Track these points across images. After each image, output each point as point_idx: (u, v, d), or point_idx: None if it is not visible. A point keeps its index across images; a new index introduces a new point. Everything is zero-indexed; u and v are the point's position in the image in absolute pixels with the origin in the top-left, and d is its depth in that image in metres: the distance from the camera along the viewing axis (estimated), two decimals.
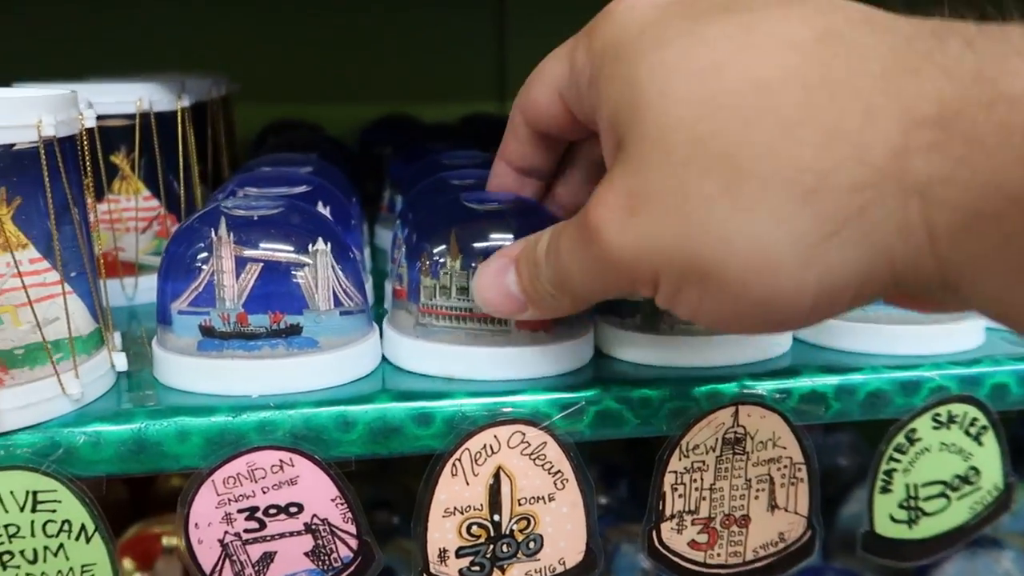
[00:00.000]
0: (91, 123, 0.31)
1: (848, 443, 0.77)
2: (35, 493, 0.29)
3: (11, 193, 0.29)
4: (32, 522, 0.29)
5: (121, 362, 0.32)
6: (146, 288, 0.43)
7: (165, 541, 0.55)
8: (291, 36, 0.84)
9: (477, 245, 0.32)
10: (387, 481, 0.73)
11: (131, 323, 0.41)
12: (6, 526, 0.29)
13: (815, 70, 0.22)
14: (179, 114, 0.43)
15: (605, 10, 0.27)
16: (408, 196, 0.43)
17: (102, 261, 0.33)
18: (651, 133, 0.23)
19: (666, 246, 0.23)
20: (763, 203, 0.22)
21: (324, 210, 0.41)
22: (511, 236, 0.33)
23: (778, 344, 0.36)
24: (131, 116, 0.41)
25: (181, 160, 0.43)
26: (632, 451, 0.74)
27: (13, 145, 0.27)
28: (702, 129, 0.22)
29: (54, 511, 0.29)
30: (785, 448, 0.34)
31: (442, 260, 0.33)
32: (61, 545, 0.30)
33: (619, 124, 0.25)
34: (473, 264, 0.32)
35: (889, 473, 0.35)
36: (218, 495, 0.30)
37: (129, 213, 0.44)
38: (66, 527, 0.29)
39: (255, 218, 0.32)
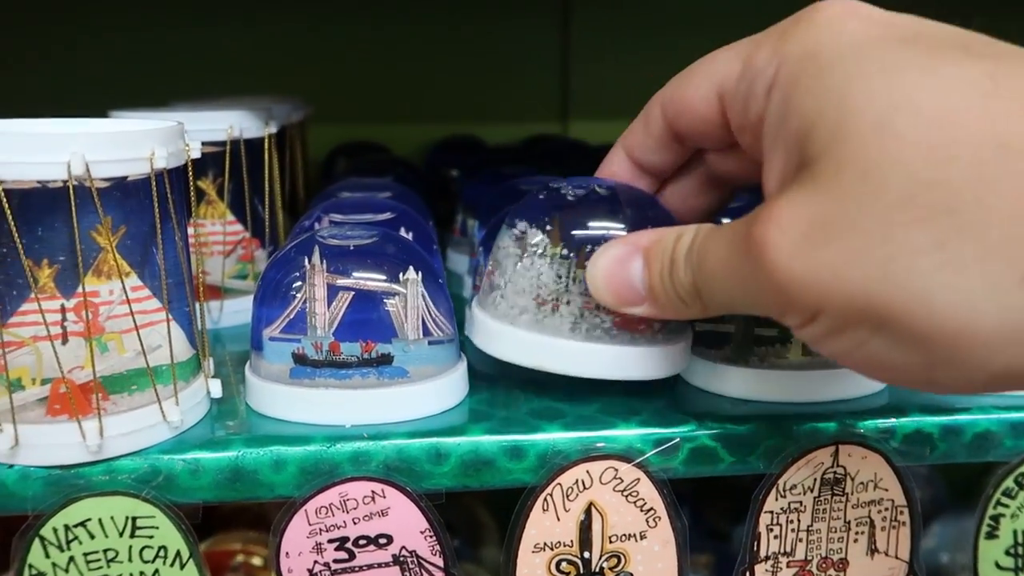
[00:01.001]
0: (196, 154, 0.31)
1: (923, 474, 0.75)
2: (135, 519, 0.29)
3: (117, 222, 0.29)
4: (130, 547, 0.29)
5: (216, 389, 0.33)
6: (230, 312, 0.44)
7: (240, 559, 0.56)
8: (357, 57, 0.86)
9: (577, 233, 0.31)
10: (449, 502, 0.73)
11: (216, 347, 0.41)
12: (105, 551, 0.29)
13: None
14: (267, 140, 0.44)
15: (804, 16, 0.26)
16: (489, 223, 0.43)
17: (202, 288, 0.33)
18: (857, 163, 0.22)
19: (847, 285, 0.22)
20: (979, 271, 0.21)
21: (407, 236, 0.41)
22: (616, 224, 0.31)
23: (875, 381, 0.34)
24: (220, 143, 0.42)
25: (267, 185, 0.44)
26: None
27: (126, 177, 0.28)
28: (926, 176, 0.21)
29: (152, 537, 0.29)
30: (887, 490, 0.32)
31: (542, 249, 0.31)
32: (156, 571, 0.30)
33: (812, 142, 0.23)
34: (572, 257, 0.31)
35: (996, 519, 0.33)
36: (310, 525, 0.30)
37: (215, 237, 0.45)
38: (162, 553, 0.30)
39: (351, 248, 0.32)
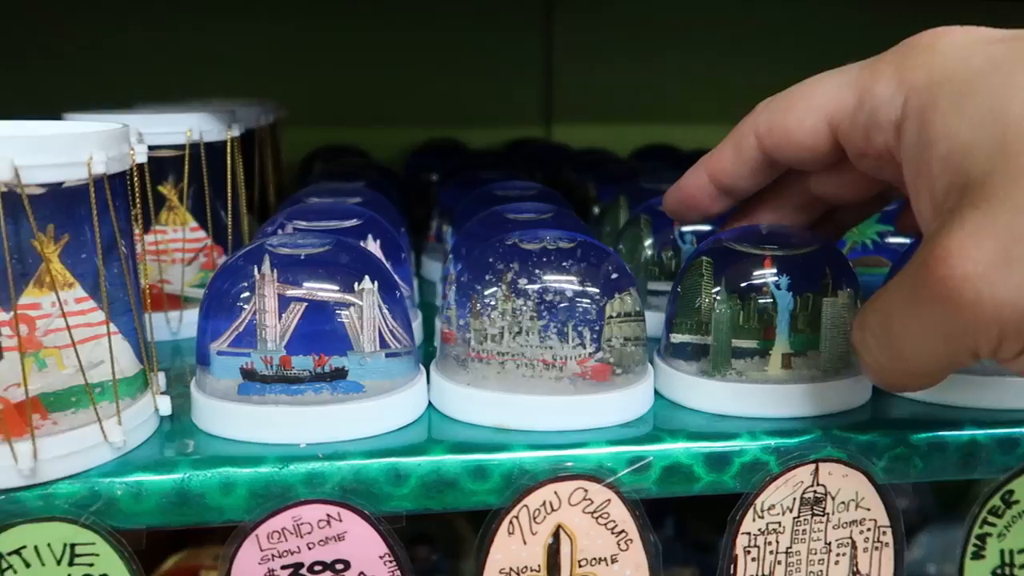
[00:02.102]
0: (142, 158, 0.30)
1: (908, 484, 0.74)
2: (73, 546, 0.27)
3: (59, 231, 0.28)
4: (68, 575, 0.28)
5: (165, 406, 0.31)
6: (191, 322, 0.42)
7: (212, 575, 0.54)
8: (337, 60, 0.84)
9: (532, 287, 0.30)
10: (430, 516, 0.71)
11: (175, 360, 0.40)
12: None
13: None
14: (229, 144, 0.42)
15: (921, 44, 0.26)
16: (460, 230, 0.41)
17: (148, 299, 0.31)
18: None
19: None
20: None
21: (374, 244, 0.40)
22: (569, 277, 0.31)
23: (859, 394, 0.33)
24: (180, 147, 0.41)
25: (230, 191, 0.42)
26: None
27: (62, 183, 0.26)
28: None
29: (92, 565, 0.28)
30: (869, 509, 0.31)
31: (495, 302, 0.31)
32: None
33: (971, 163, 0.23)
34: (532, 306, 0.31)
35: (982, 538, 0.32)
36: (262, 551, 0.28)
37: (176, 244, 0.43)
38: None
39: (302, 257, 0.30)
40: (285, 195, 0.56)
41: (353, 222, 0.39)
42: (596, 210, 0.59)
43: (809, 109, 0.29)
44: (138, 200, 0.31)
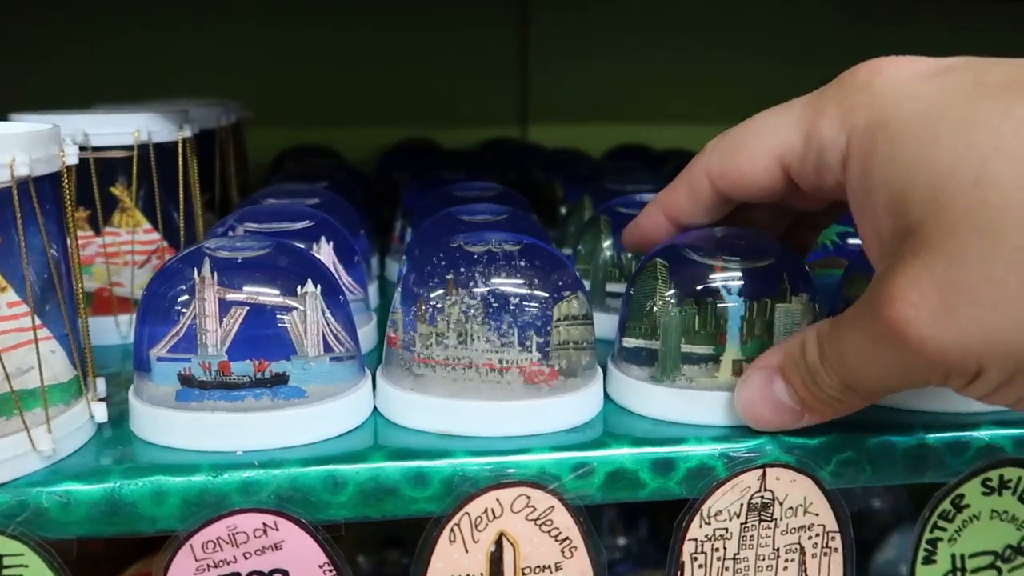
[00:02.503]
0: (72, 160, 0.29)
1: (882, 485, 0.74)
2: (1, 556, 0.27)
3: None
4: None
5: (101, 412, 0.30)
6: None
7: None
8: (313, 60, 0.83)
9: (476, 290, 0.30)
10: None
11: (125, 363, 0.39)
12: None
13: None
14: (180, 145, 0.41)
15: (857, 81, 0.26)
16: (415, 232, 0.41)
17: (82, 304, 0.31)
18: (967, 222, 0.22)
19: (1002, 339, 0.22)
20: None
21: (327, 246, 0.39)
22: (515, 280, 0.30)
23: None
24: (130, 148, 0.40)
25: (182, 192, 0.41)
26: None
27: None
28: None
29: (20, 575, 0.27)
30: (817, 515, 0.30)
31: (440, 306, 0.30)
32: None
33: (909, 209, 0.23)
34: (478, 310, 0.30)
35: (933, 543, 0.32)
36: (196, 560, 0.28)
37: (128, 247, 0.42)
38: None
39: (239, 260, 0.30)
40: (251, 195, 0.55)
41: (304, 224, 0.39)
42: (563, 210, 0.59)
43: (759, 150, 0.29)
44: (69, 206, 0.31)
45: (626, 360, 0.33)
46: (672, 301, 0.31)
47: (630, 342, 0.33)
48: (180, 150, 0.41)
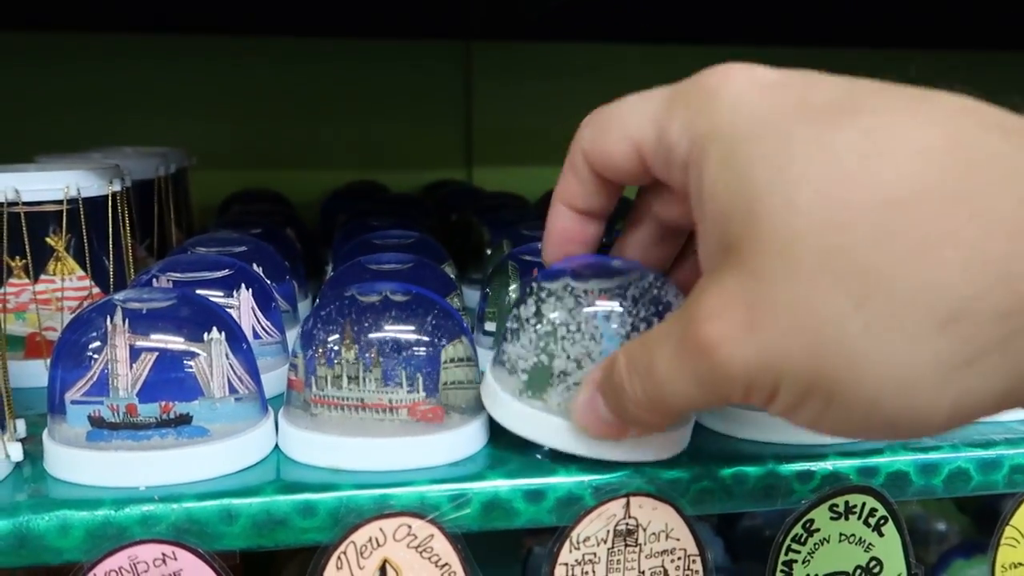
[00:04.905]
0: None
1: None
2: None
3: None
4: None
5: (16, 452, 0.33)
6: None
7: None
8: (263, 103, 0.87)
9: (366, 337, 0.33)
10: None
11: None
12: None
13: (951, 184, 0.21)
14: (110, 199, 0.44)
15: (707, 85, 0.26)
16: (327, 280, 0.44)
17: (3, 349, 0.33)
18: (773, 243, 0.23)
19: (792, 361, 0.23)
20: (899, 324, 0.21)
21: (246, 292, 0.42)
22: (401, 327, 0.33)
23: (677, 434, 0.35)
24: (61, 202, 0.43)
25: (111, 244, 0.44)
26: None
27: None
28: (831, 242, 0.22)
29: None
30: (679, 540, 0.33)
31: (337, 348, 0.33)
32: None
33: (729, 225, 0.24)
34: (368, 355, 0.33)
35: (788, 564, 0.35)
36: None
37: (59, 294, 0.45)
38: None
39: (144, 311, 0.33)
40: (182, 245, 0.58)
41: (224, 273, 0.41)
42: (489, 253, 0.62)
43: (621, 135, 0.29)
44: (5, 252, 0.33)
45: (508, 392, 0.35)
46: (546, 331, 0.33)
47: (510, 372, 0.35)
48: (110, 203, 0.44)
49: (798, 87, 0.25)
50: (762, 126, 0.24)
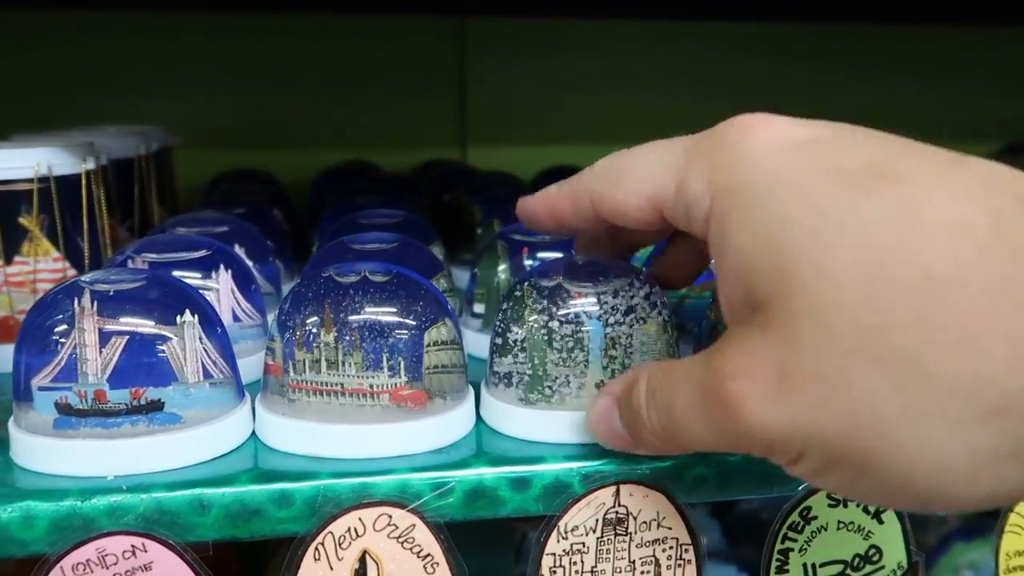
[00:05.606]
0: None
1: None
2: None
3: None
4: None
5: None
6: None
7: None
8: (254, 82, 0.85)
9: (346, 319, 0.32)
10: None
11: None
12: None
13: (995, 270, 0.21)
14: (84, 177, 0.43)
15: (728, 137, 0.26)
16: (310, 260, 0.42)
17: None
18: (808, 310, 0.22)
19: (822, 433, 0.22)
20: (940, 410, 0.21)
21: (226, 274, 0.41)
22: (382, 309, 0.32)
23: None
24: (31, 179, 0.41)
25: (86, 224, 0.43)
26: None
27: None
28: (871, 321, 0.21)
29: None
30: (671, 528, 0.32)
31: (315, 331, 0.32)
32: None
33: (757, 282, 0.24)
34: (347, 338, 0.32)
35: (784, 553, 0.34)
36: None
37: (32, 276, 0.43)
38: None
39: (111, 293, 0.31)
40: (161, 225, 0.56)
41: (201, 253, 0.40)
42: (479, 232, 0.60)
43: (634, 187, 0.29)
44: None
45: (496, 382, 0.35)
46: (535, 326, 0.33)
47: (498, 365, 0.34)
48: (84, 182, 0.42)
49: (829, 146, 0.24)
50: (793, 187, 0.24)
